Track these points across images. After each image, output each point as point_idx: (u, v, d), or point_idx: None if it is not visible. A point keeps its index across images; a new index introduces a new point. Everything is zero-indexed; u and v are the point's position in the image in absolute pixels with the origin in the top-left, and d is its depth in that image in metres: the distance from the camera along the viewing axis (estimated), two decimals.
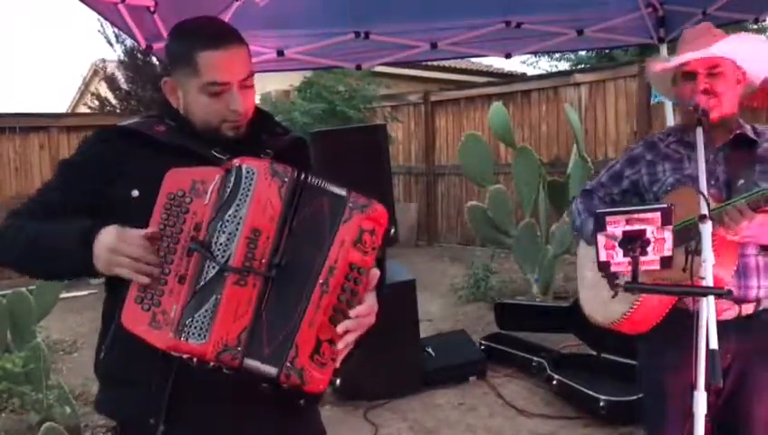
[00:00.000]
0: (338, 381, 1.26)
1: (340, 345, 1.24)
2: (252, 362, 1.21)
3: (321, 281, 1.23)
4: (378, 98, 8.67)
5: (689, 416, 1.61)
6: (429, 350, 4.19)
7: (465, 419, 3.69)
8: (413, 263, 6.99)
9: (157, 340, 1.19)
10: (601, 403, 3.42)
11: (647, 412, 2.05)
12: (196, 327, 1.18)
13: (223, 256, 1.20)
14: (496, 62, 14.51)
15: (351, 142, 4.09)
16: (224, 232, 1.21)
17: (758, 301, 1.86)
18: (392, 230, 1.31)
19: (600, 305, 2.01)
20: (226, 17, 3.11)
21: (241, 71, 1.36)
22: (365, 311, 1.27)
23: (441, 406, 3.86)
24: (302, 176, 1.26)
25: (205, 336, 1.18)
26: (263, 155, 1.36)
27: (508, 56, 4.05)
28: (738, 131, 1.91)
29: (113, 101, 11.89)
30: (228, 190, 1.22)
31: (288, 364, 1.21)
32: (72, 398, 3.60)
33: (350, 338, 1.26)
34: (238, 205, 1.22)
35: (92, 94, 12.45)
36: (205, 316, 1.18)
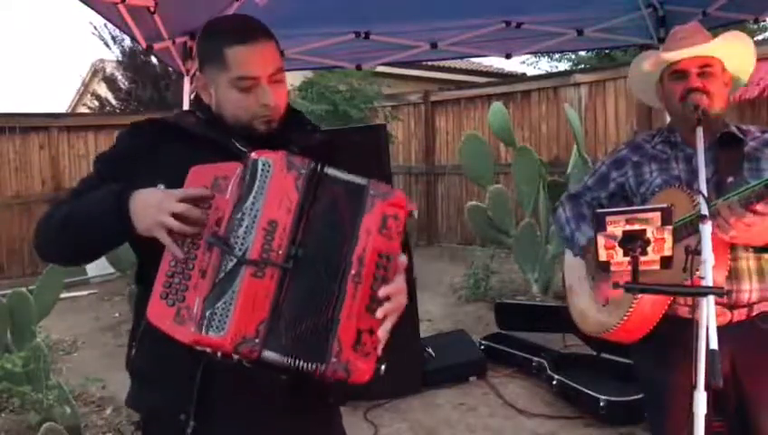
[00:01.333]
0: (383, 368, 1.26)
1: (380, 332, 1.24)
2: (271, 354, 1.20)
3: (353, 272, 1.23)
4: (379, 97, 8.67)
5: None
6: (429, 350, 4.19)
7: (465, 419, 3.69)
8: (413, 263, 6.97)
9: (181, 335, 1.20)
10: (601, 403, 3.42)
11: (651, 419, 2.04)
12: (215, 320, 1.19)
13: (240, 249, 1.21)
14: (496, 62, 14.55)
15: (352, 142, 4.08)
16: (241, 225, 1.22)
17: (750, 306, 1.83)
18: (414, 213, 1.32)
19: (592, 315, 2.00)
20: None
21: (269, 65, 1.37)
22: (394, 290, 1.25)
23: (441, 406, 3.86)
24: (320, 167, 1.26)
25: (223, 328, 1.18)
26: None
27: (508, 56, 4.05)
28: (724, 130, 1.89)
29: (113, 102, 11.91)
30: (246, 183, 1.24)
31: (333, 360, 1.21)
32: (72, 398, 3.60)
33: (390, 322, 1.26)
34: (255, 197, 1.23)
35: (92, 94, 12.47)
36: (224, 309, 1.19)
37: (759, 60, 2.06)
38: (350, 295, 1.23)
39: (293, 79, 8.04)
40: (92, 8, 2.60)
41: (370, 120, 8.08)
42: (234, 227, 1.22)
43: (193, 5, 3.06)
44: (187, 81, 3.45)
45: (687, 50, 1.84)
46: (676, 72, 1.88)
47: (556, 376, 3.84)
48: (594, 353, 3.90)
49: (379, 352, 1.26)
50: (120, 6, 2.64)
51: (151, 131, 1.42)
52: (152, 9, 2.77)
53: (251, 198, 1.23)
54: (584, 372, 3.81)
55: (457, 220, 8.93)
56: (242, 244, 1.21)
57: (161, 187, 1.28)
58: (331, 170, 1.28)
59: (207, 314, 1.19)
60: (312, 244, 1.24)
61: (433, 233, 9.35)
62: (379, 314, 1.23)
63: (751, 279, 1.81)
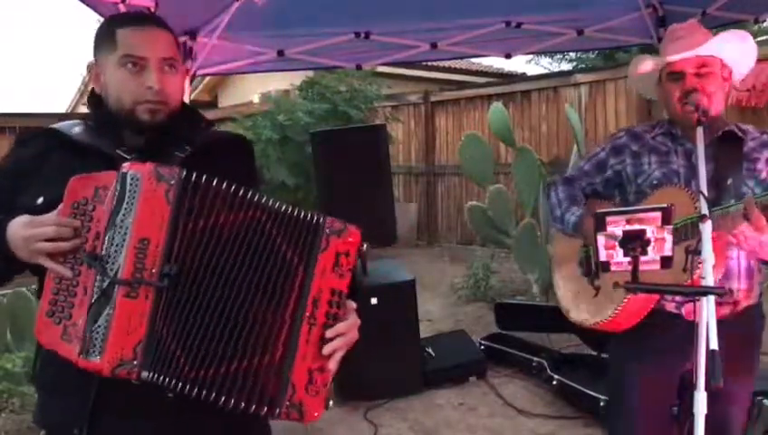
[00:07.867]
0: (330, 402, 1.28)
1: (331, 365, 1.26)
2: (149, 375, 1.17)
3: (307, 314, 1.24)
4: (379, 98, 8.67)
5: (663, 419, 1.60)
6: (429, 350, 4.19)
7: (465, 419, 3.70)
8: (413, 263, 6.98)
9: (68, 353, 1.17)
10: (601, 403, 3.42)
11: (613, 413, 2.04)
12: (93, 343, 1.15)
13: (112, 269, 1.17)
14: (496, 62, 14.50)
15: (352, 142, 4.09)
16: (113, 243, 1.17)
17: (734, 304, 1.85)
18: (364, 246, 1.29)
19: (582, 304, 2.01)
20: (227, 17, 3.12)
21: (161, 49, 1.35)
22: (344, 328, 1.27)
23: (441, 406, 3.87)
24: (196, 178, 1.20)
25: (101, 352, 1.15)
26: (179, 152, 1.35)
27: (508, 56, 4.05)
28: (726, 129, 1.89)
29: None
30: (117, 198, 1.18)
31: (288, 403, 1.23)
32: None
33: (338, 356, 1.27)
34: (124, 214, 1.18)
35: None
36: (102, 330, 1.15)
37: (759, 60, 2.05)
38: (304, 339, 1.24)
39: (294, 78, 8.04)
40: (92, 8, 2.60)
41: (370, 121, 8.07)
42: (107, 244, 1.18)
43: (193, 5, 3.06)
44: (186, 81, 3.46)
45: (685, 53, 1.84)
46: (673, 73, 1.88)
47: (556, 376, 3.84)
48: (594, 353, 3.91)
49: (329, 387, 1.27)
50: (121, 6, 2.63)
51: (37, 143, 1.38)
52: (152, 9, 2.77)
53: (121, 215, 1.17)
54: (584, 372, 3.81)
55: (457, 220, 8.93)
56: (113, 262, 1.17)
57: (40, 200, 1.25)
58: (222, 185, 1.20)
59: (87, 336, 1.15)
60: (206, 262, 1.19)
61: (433, 233, 9.35)
62: (326, 350, 1.25)
63: (740, 279, 1.84)
